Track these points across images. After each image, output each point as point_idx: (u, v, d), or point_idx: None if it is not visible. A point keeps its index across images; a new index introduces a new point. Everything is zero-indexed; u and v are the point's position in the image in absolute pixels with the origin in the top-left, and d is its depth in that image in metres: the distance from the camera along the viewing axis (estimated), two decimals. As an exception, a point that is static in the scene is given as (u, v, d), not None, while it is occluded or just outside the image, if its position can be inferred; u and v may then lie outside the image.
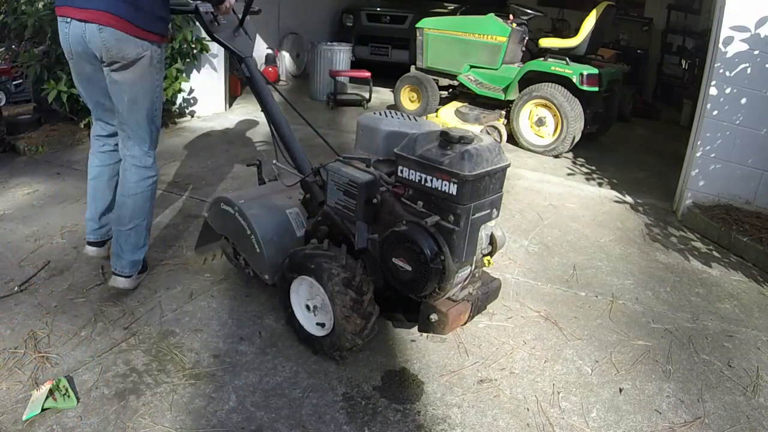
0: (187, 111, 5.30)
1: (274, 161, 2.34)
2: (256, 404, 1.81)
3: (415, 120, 2.11)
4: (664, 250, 3.26)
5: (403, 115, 2.12)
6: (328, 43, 6.63)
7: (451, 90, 5.86)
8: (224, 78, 5.57)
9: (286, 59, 7.78)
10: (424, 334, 2.22)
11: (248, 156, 4.23)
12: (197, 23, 2.41)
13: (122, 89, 2.14)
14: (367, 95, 6.35)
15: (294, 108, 2.48)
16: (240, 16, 2.34)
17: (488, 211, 1.79)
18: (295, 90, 7.12)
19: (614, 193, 4.19)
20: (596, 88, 4.77)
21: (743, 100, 3.46)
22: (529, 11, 5.36)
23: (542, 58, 5.06)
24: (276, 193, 2.37)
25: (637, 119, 7.14)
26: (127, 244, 2.28)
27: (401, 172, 1.83)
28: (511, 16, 5.34)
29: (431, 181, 1.74)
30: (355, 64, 6.99)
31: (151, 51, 2.09)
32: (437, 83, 5.76)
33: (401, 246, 1.77)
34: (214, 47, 5.14)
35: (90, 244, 2.50)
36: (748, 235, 3.23)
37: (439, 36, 5.60)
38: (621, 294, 2.70)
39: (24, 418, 1.67)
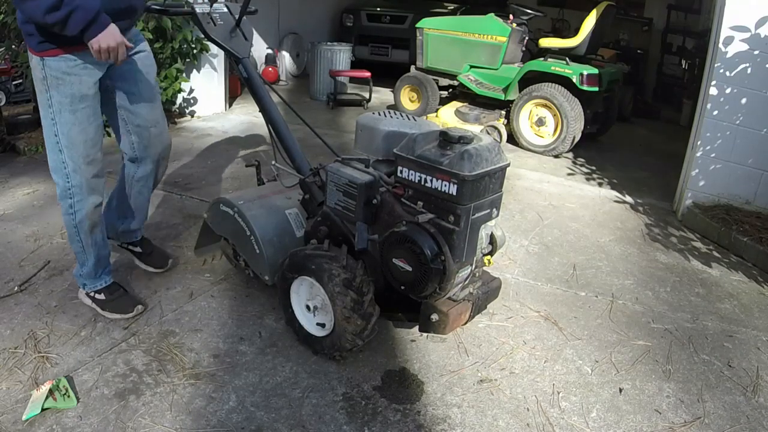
0: (187, 111, 5.30)
1: (273, 162, 2.34)
2: (256, 404, 1.82)
3: (415, 120, 2.10)
4: (664, 250, 3.26)
5: (402, 115, 2.11)
6: (328, 43, 6.63)
7: (451, 90, 5.86)
8: (224, 78, 5.57)
9: (286, 59, 7.78)
10: (424, 334, 2.22)
11: (248, 156, 4.23)
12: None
13: None
14: (367, 95, 6.35)
15: (292, 108, 2.48)
16: (237, 17, 2.33)
17: (488, 210, 1.79)
18: (295, 90, 7.12)
19: (614, 193, 4.19)
20: (596, 88, 4.77)
21: (743, 100, 3.46)
22: (529, 11, 5.36)
23: (542, 58, 5.06)
24: (275, 194, 2.37)
25: (637, 119, 7.14)
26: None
27: (401, 172, 1.82)
28: (511, 16, 5.34)
29: (431, 181, 1.74)
30: (355, 64, 6.98)
31: (35, 63, 1.92)
32: (437, 83, 5.76)
33: (401, 246, 1.77)
34: (214, 47, 5.13)
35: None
36: (748, 235, 3.22)
37: (439, 36, 5.60)
38: (621, 294, 2.70)
39: (24, 418, 1.67)
